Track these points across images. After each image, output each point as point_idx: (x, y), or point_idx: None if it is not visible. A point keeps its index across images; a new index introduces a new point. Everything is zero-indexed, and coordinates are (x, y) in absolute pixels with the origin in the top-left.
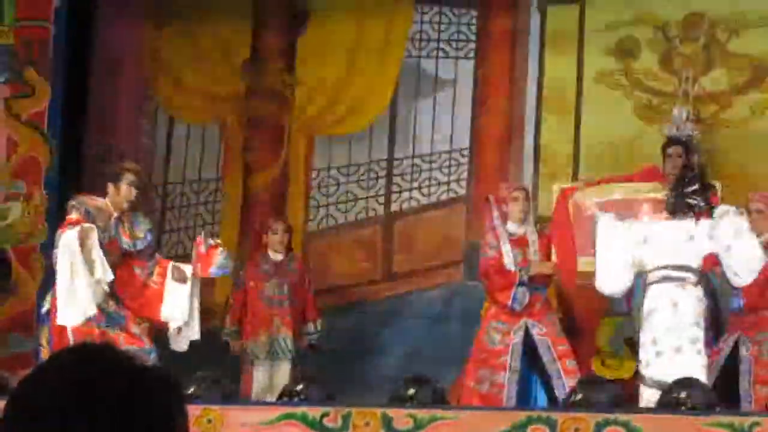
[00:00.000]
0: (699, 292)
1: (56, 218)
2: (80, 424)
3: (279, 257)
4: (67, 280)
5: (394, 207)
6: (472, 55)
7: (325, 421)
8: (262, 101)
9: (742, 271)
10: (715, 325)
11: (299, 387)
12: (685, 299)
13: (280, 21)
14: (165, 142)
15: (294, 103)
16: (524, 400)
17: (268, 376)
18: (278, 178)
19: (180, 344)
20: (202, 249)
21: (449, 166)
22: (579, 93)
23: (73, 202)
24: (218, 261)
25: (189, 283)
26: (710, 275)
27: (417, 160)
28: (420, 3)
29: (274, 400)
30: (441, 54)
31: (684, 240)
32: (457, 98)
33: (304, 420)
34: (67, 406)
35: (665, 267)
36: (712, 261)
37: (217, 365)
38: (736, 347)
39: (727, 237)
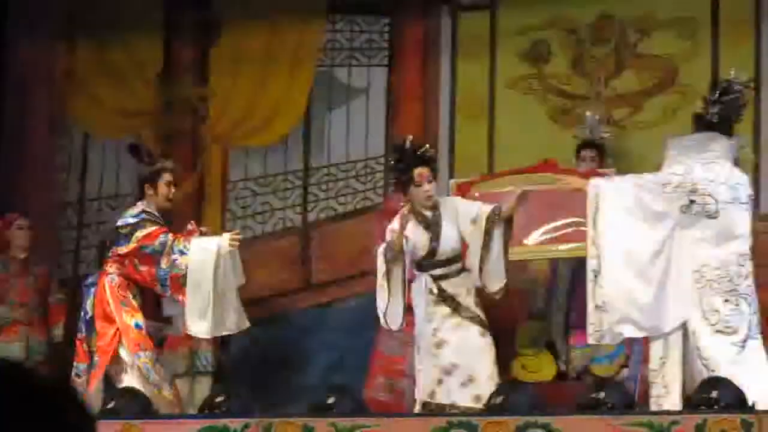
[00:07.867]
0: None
1: None
2: None
3: None
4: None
5: (311, 217)
6: (385, 62)
7: None
8: (177, 115)
9: None
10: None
11: (220, 399)
12: None
13: (191, 33)
14: (81, 158)
15: (208, 115)
16: None
17: (189, 389)
18: (194, 192)
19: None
20: None
21: (365, 175)
22: (492, 98)
23: (145, 215)
24: None
25: None
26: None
27: (332, 169)
28: (332, 12)
29: (195, 413)
30: (354, 62)
31: None
32: (371, 106)
33: None
34: None
35: None
36: None
37: None
38: None
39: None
